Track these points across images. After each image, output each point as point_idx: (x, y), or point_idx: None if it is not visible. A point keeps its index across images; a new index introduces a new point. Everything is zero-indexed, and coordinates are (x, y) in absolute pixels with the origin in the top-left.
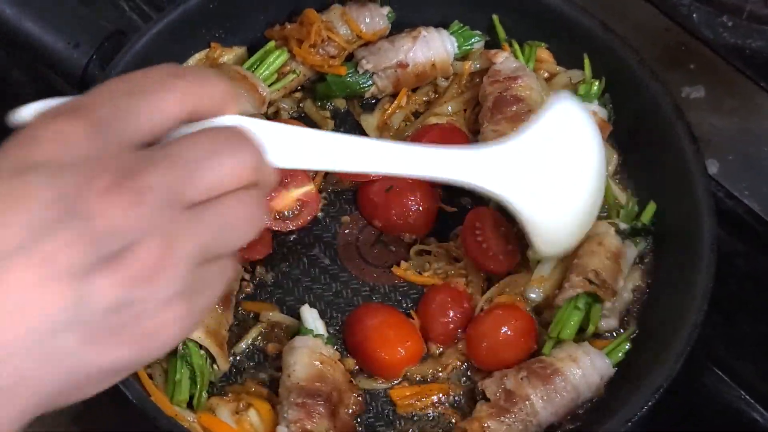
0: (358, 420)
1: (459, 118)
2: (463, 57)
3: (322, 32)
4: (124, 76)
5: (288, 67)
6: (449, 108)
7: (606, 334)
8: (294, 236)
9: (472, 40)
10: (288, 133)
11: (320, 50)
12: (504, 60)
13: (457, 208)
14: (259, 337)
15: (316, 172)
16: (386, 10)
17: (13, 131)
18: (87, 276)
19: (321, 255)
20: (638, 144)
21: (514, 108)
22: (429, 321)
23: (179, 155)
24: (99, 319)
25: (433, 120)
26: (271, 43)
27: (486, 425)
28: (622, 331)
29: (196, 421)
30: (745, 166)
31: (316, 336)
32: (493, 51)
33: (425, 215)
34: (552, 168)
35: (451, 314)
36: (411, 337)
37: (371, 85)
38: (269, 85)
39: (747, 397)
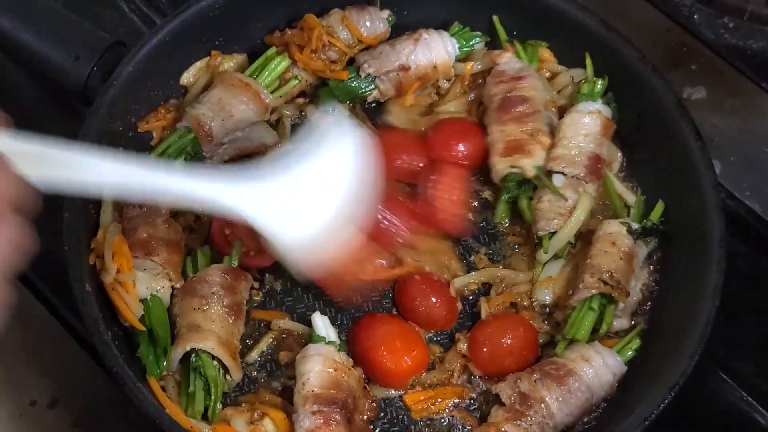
0: (372, 425)
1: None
2: (464, 58)
3: (323, 37)
4: None
5: (290, 74)
6: (452, 109)
7: (617, 333)
8: None
9: (473, 41)
10: (35, 146)
11: (321, 55)
12: (507, 60)
13: None
14: (271, 346)
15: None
16: (386, 13)
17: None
18: None
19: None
20: (643, 141)
21: (520, 108)
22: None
23: None
24: None
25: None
26: (272, 50)
27: (503, 430)
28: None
29: None
30: (746, 167)
31: (329, 343)
32: (496, 51)
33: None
34: (307, 196)
35: (433, 300)
36: (417, 346)
37: (373, 89)
38: (271, 92)
39: (748, 398)
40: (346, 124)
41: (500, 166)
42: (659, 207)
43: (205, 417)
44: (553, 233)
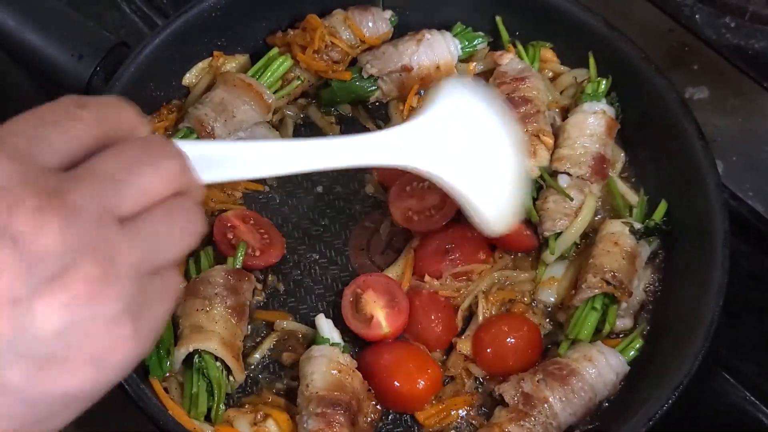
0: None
1: None
2: (467, 58)
3: (325, 38)
4: (30, 111)
5: (292, 74)
6: None
7: (620, 333)
8: (304, 246)
9: (476, 41)
10: (203, 147)
11: (324, 56)
12: (509, 61)
13: None
14: (274, 347)
15: None
16: (389, 13)
17: None
18: (28, 301)
19: (332, 262)
20: (645, 141)
21: (523, 109)
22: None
23: (101, 169)
24: (45, 345)
25: None
26: (275, 50)
27: (506, 430)
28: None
29: None
30: (748, 167)
31: (333, 345)
32: (498, 52)
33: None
34: (465, 140)
35: (433, 317)
36: (429, 365)
37: (376, 89)
38: (274, 93)
39: (751, 397)
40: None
41: None
42: (662, 207)
43: (208, 418)
44: (559, 234)
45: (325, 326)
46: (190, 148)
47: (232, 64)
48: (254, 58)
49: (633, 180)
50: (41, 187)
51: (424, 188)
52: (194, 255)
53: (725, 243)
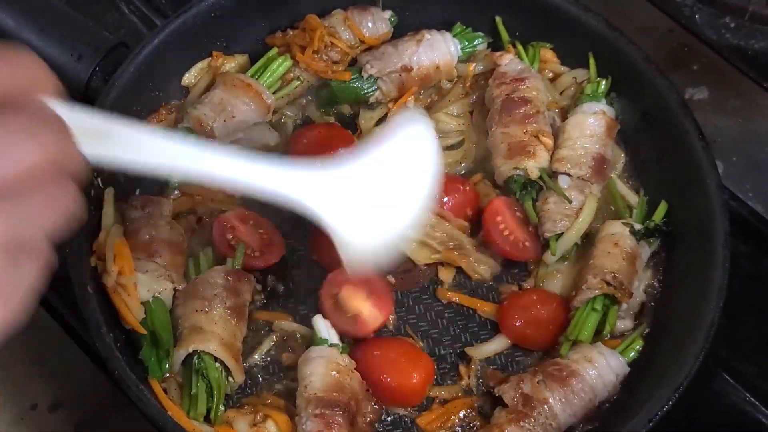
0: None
1: (465, 120)
2: (466, 59)
3: (325, 38)
4: None
5: (291, 74)
6: (454, 110)
7: (621, 334)
8: (304, 246)
9: (476, 41)
10: (99, 122)
11: (323, 56)
12: (509, 62)
13: None
14: (273, 348)
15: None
16: (388, 14)
17: None
18: None
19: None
20: (646, 142)
21: (522, 110)
22: None
23: None
24: None
25: (442, 118)
26: (274, 50)
27: (506, 431)
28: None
29: None
30: (749, 168)
31: (332, 345)
32: (498, 53)
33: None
34: (376, 194)
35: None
36: (420, 357)
37: (376, 89)
38: (273, 93)
39: (751, 398)
40: (417, 121)
41: (504, 168)
42: (662, 208)
43: (207, 419)
44: (560, 235)
45: (323, 327)
46: (84, 118)
47: (231, 64)
48: (254, 59)
49: (633, 181)
50: None
51: None
52: (194, 256)
53: (725, 244)
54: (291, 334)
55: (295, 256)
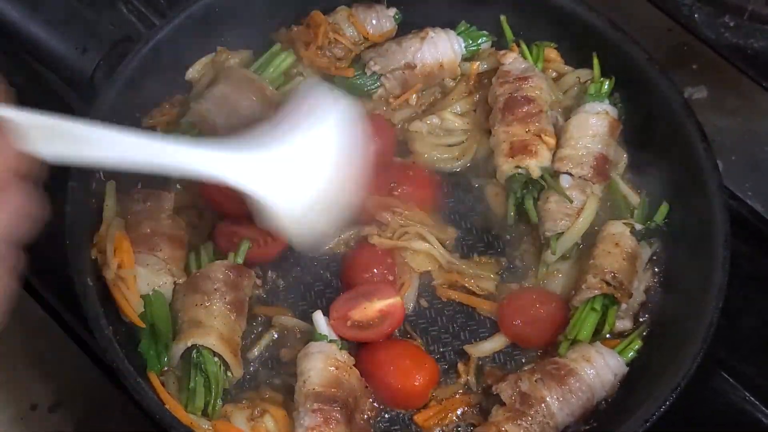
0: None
1: (469, 119)
2: (470, 57)
3: (329, 34)
4: None
5: (295, 70)
6: (458, 108)
7: (620, 334)
8: None
9: (480, 40)
10: (47, 121)
11: (327, 52)
12: (513, 60)
13: None
14: (272, 343)
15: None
16: (393, 11)
17: None
18: None
19: (333, 260)
20: (648, 142)
21: (525, 109)
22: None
23: None
24: None
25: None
26: (277, 46)
27: (503, 429)
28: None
29: (211, 428)
30: (748, 167)
31: (331, 341)
32: (501, 52)
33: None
34: (304, 167)
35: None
36: (425, 359)
37: (379, 86)
38: (276, 88)
39: (750, 397)
40: (332, 96)
41: (505, 166)
42: (663, 208)
43: (205, 413)
44: (561, 234)
45: (322, 323)
46: (33, 119)
47: (235, 59)
48: (258, 54)
49: (635, 181)
50: None
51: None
52: (195, 250)
53: (726, 245)
54: (290, 330)
55: (296, 252)
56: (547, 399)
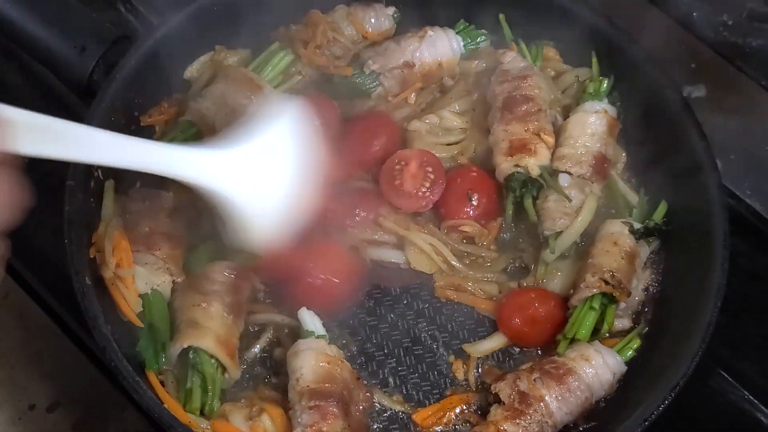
0: (371, 422)
1: (468, 117)
2: (469, 56)
3: (327, 33)
4: None
5: (293, 69)
6: (456, 107)
7: (619, 333)
8: None
9: (479, 39)
10: (33, 118)
11: (326, 51)
12: (512, 59)
13: None
14: (270, 343)
15: None
16: (392, 10)
17: None
18: None
19: None
20: (647, 141)
21: (524, 108)
22: None
23: None
24: None
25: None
26: (276, 44)
27: (502, 428)
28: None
29: (209, 427)
30: (747, 165)
31: (319, 337)
32: (501, 51)
33: None
34: (263, 171)
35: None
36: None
37: (377, 85)
38: (274, 87)
39: (750, 396)
40: (283, 100)
41: (504, 165)
42: (662, 207)
43: (202, 413)
44: (560, 233)
45: (308, 319)
46: (17, 115)
47: (233, 58)
48: (256, 53)
49: (633, 180)
50: None
51: None
52: (194, 249)
53: (725, 244)
54: (288, 329)
55: None
56: (546, 398)
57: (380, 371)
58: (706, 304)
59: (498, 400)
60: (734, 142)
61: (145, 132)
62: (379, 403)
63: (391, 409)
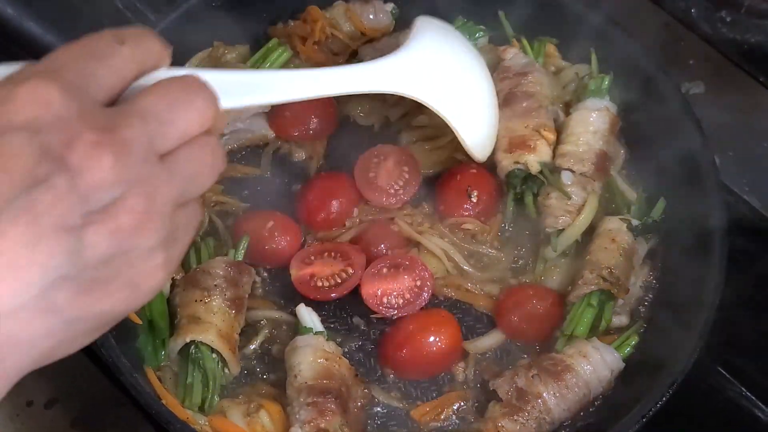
0: (369, 420)
1: None
2: None
3: (326, 29)
4: (74, 44)
5: (292, 65)
6: None
7: (617, 330)
8: None
9: (477, 35)
10: (226, 76)
11: (324, 48)
12: (513, 56)
13: None
14: (268, 339)
15: None
16: (390, 6)
17: None
18: (79, 229)
19: None
20: (646, 138)
21: (525, 104)
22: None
23: (148, 109)
24: (92, 270)
25: None
26: (274, 41)
27: (500, 425)
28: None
29: (207, 424)
30: (745, 163)
31: (317, 333)
32: (502, 47)
33: None
34: (446, 71)
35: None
36: (444, 316)
37: None
38: None
39: (747, 393)
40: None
41: (505, 162)
42: (660, 204)
43: (202, 409)
44: (561, 231)
45: (306, 315)
46: (212, 76)
47: (232, 54)
48: (255, 49)
49: (632, 177)
50: (97, 122)
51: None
52: (194, 245)
53: (723, 241)
54: (285, 324)
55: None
56: (544, 395)
57: (378, 368)
58: (704, 301)
59: (496, 397)
60: (733, 138)
61: None
62: (378, 400)
63: (389, 406)
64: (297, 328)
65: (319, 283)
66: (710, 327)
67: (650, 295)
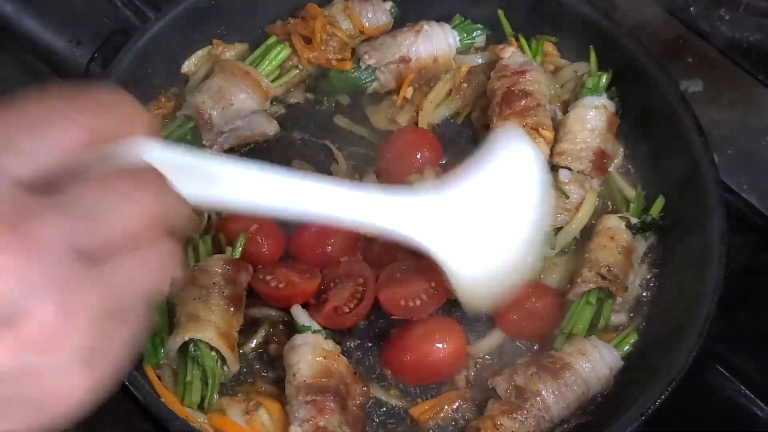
0: (369, 419)
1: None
2: (465, 51)
3: (326, 27)
4: (13, 108)
5: (290, 63)
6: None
7: (615, 328)
8: None
9: (474, 33)
10: (201, 163)
11: (322, 47)
12: (511, 54)
13: None
14: (267, 337)
15: None
16: (389, 4)
17: None
18: None
19: None
20: (644, 136)
21: (523, 102)
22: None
23: (74, 201)
24: None
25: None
26: (273, 38)
27: (499, 423)
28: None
29: (206, 421)
30: (744, 160)
31: (315, 332)
32: (500, 46)
33: None
34: (486, 222)
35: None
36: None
37: (374, 80)
38: (272, 81)
39: (746, 391)
40: (523, 144)
41: None
42: (659, 202)
43: (201, 407)
44: (559, 228)
45: (302, 314)
46: (181, 158)
47: (231, 52)
48: (254, 47)
49: (631, 175)
50: (4, 212)
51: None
52: (192, 244)
53: (722, 239)
54: (275, 323)
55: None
56: (543, 393)
57: (377, 366)
58: (702, 299)
59: (495, 395)
60: (731, 136)
61: None
62: (376, 398)
63: (388, 404)
64: (295, 327)
65: (346, 309)
66: (709, 325)
67: (649, 293)
